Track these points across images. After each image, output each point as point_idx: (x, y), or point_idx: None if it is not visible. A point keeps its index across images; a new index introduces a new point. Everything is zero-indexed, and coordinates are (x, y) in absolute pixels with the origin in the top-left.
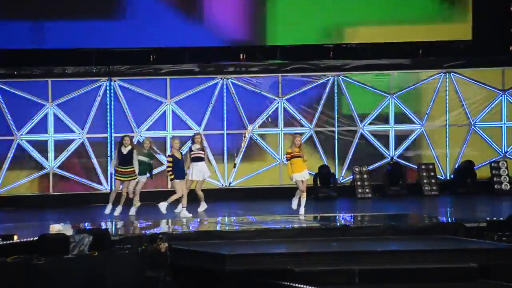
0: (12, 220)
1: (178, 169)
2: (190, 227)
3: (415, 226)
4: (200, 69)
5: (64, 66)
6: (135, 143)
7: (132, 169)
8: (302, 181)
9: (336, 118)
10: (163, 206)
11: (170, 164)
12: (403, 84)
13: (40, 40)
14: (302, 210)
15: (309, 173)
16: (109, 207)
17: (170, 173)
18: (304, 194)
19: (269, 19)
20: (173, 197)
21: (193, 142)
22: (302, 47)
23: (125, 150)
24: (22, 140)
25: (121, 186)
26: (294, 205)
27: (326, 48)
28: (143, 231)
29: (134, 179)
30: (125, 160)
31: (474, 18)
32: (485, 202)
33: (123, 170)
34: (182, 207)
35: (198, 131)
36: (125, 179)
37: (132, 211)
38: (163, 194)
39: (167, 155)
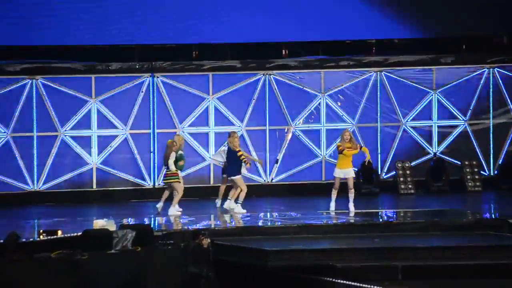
0: (56, 215)
1: (239, 164)
2: (233, 223)
3: (458, 222)
4: (242, 65)
5: (108, 62)
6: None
7: (170, 172)
8: (346, 178)
9: (379, 114)
10: (239, 208)
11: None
12: (446, 80)
13: (84, 37)
14: (351, 206)
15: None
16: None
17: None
18: (352, 191)
19: None
20: (242, 195)
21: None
22: (344, 43)
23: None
24: (66, 136)
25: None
26: (332, 207)
27: (368, 44)
28: (185, 227)
29: (176, 181)
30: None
31: None
32: None
33: (167, 172)
34: (238, 202)
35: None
36: (166, 181)
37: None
38: (205, 190)
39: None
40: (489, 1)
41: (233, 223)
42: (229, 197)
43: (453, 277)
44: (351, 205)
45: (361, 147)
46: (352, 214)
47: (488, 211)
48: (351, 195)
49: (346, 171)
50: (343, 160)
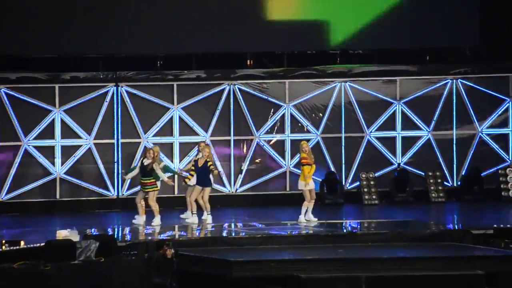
0: (19, 226)
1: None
2: (197, 233)
3: (421, 233)
4: (207, 75)
5: (71, 72)
6: (142, 149)
7: (152, 180)
8: (309, 190)
9: (343, 124)
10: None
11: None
12: (410, 91)
13: (47, 46)
14: (310, 216)
15: (315, 178)
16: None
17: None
18: (312, 201)
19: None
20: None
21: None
22: (308, 53)
23: (146, 162)
24: (29, 145)
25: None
26: (301, 218)
27: (333, 54)
28: (149, 237)
29: (155, 190)
30: (145, 171)
31: (482, 23)
32: (492, 209)
33: (144, 181)
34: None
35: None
36: (146, 190)
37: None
38: (171, 200)
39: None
40: (452, 14)
41: (197, 233)
42: (207, 212)
43: (417, 287)
44: (310, 215)
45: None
46: (313, 224)
47: (452, 222)
48: (311, 206)
49: (310, 183)
50: (304, 172)
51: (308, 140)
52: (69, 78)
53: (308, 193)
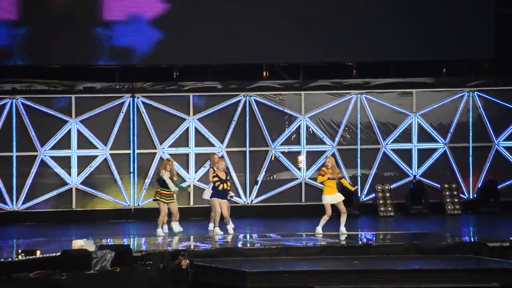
0: (35, 235)
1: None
2: (212, 244)
3: (437, 245)
4: (222, 86)
5: (88, 82)
6: (158, 159)
7: (170, 192)
8: (337, 202)
9: (359, 136)
10: (218, 230)
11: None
12: (426, 103)
13: (65, 57)
14: (343, 228)
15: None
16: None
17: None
18: (345, 215)
19: None
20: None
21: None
22: (325, 65)
23: (163, 174)
24: (45, 156)
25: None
26: (319, 230)
27: (349, 66)
28: (165, 248)
29: (173, 201)
30: (164, 182)
31: (498, 35)
32: (508, 222)
33: (164, 192)
34: (215, 225)
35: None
36: (165, 201)
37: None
38: (187, 211)
39: (213, 175)
40: (469, 26)
41: (213, 244)
42: (216, 224)
43: None
44: (343, 228)
45: (340, 178)
46: (343, 237)
47: (467, 234)
48: (343, 219)
49: (335, 196)
50: (330, 186)
51: (332, 156)
52: (85, 89)
53: (329, 207)
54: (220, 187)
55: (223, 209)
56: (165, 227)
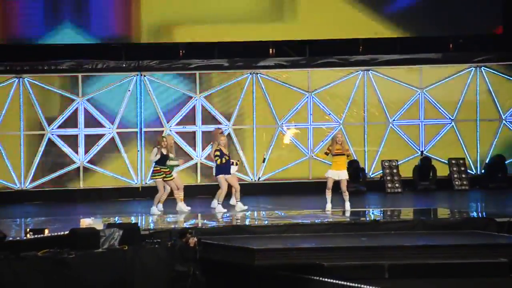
0: (43, 214)
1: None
2: (220, 222)
3: (445, 221)
4: (229, 64)
5: (94, 61)
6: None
7: (167, 169)
8: (340, 180)
9: (365, 113)
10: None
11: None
12: (433, 79)
13: (71, 35)
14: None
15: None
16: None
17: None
18: (346, 194)
19: None
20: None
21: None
22: (331, 42)
23: (164, 151)
24: (53, 134)
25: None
26: (328, 207)
27: (355, 43)
28: (172, 226)
29: (172, 178)
30: (161, 160)
31: (505, 10)
32: None
33: (163, 170)
34: (219, 203)
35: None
36: (167, 178)
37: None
38: (194, 189)
39: (215, 149)
40: (475, 1)
41: (220, 222)
42: (237, 198)
43: (440, 276)
44: (348, 204)
45: (348, 155)
46: (348, 214)
47: (475, 210)
48: (346, 197)
49: (339, 173)
50: (336, 162)
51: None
52: (92, 67)
53: (330, 181)
54: (219, 162)
55: (232, 182)
56: (160, 205)
